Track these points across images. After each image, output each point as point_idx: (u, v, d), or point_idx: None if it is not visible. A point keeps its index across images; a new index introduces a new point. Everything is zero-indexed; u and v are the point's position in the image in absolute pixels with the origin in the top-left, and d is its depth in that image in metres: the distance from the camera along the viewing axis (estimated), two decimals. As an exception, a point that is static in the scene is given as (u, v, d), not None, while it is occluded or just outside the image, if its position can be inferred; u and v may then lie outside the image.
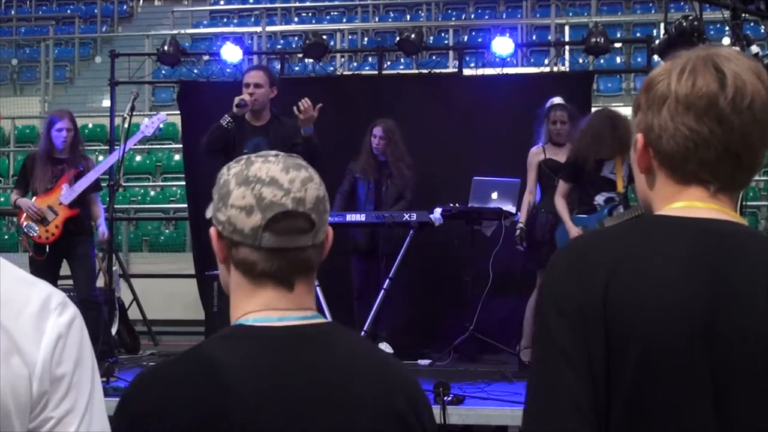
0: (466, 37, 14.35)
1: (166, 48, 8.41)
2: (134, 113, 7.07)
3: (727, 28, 5.77)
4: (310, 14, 16.70)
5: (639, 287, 1.32)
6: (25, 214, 6.56)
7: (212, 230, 1.55)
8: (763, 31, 10.16)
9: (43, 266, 6.39)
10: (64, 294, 1.37)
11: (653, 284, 1.32)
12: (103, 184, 7.13)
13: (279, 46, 14.51)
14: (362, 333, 6.21)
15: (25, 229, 6.56)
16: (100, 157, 9.54)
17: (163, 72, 9.48)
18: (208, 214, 1.58)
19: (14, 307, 1.29)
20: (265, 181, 1.50)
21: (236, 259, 1.52)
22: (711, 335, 1.30)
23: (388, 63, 12.59)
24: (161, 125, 7.15)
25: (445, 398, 4.90)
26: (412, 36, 8.11)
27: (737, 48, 5.26)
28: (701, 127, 1.37)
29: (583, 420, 1.30)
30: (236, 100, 6.05)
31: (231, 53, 8.37)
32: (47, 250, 6.51)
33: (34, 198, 6.59)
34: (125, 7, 17.87)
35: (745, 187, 1.46)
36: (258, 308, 1.52)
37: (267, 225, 1.48)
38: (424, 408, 1.57)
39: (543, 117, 6.67)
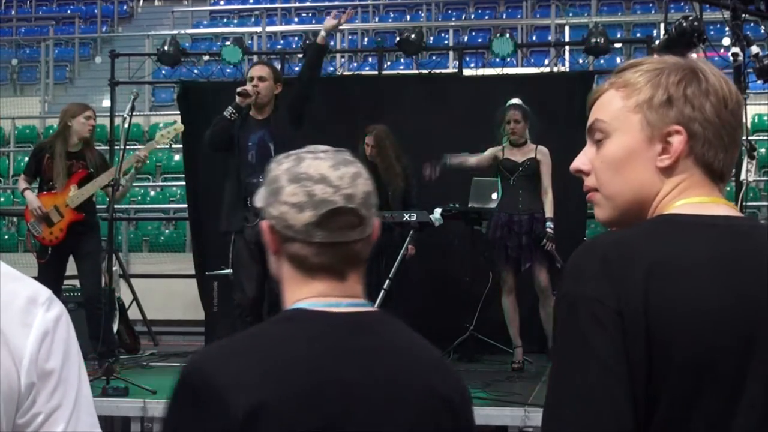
0: (466, 38, 14.35)
1: (166, 48, 8.41)
2: (134, 113, 7.07)
3: (727, 28, 5.76)
4: (310, 14, 16.70)
5: (679, 292, 1.30)
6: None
7: (264, 223, 1.60)
8: (763, 31, 10.16)
9: (49, 266, 6.35)
10: (50, 291, 1.38)
11: (693, 288, 1.30)
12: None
13: (279, 46, 14.53)
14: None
15: (30, 227, 6.48)
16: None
17: (163, 72, 9.48)
18: (258, 203, 1.64)
19: (2, 301, 1.30)
20: (315, 178, 1.54)
21: (288, 253, 1.57)
22: (754, 337, 1.30)
23: (388, 63, 12.62)
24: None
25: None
26: (412, 36, 8.12)
27: (737, 49, 5.26)
28: (738, 127, 1.43)
29: (623, 426, 1.28)
30: (239, 89, 6.01)
31: (231, 53, 8.42)
32: (49, 251, 6.41)
33: (40, 195, 6.45)
34: (125, 7, 17.88)
35: None
36: (311, 295, 1.57)
37: (318, 221, 1.53)
38: (469, 400, 1.65)
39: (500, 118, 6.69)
